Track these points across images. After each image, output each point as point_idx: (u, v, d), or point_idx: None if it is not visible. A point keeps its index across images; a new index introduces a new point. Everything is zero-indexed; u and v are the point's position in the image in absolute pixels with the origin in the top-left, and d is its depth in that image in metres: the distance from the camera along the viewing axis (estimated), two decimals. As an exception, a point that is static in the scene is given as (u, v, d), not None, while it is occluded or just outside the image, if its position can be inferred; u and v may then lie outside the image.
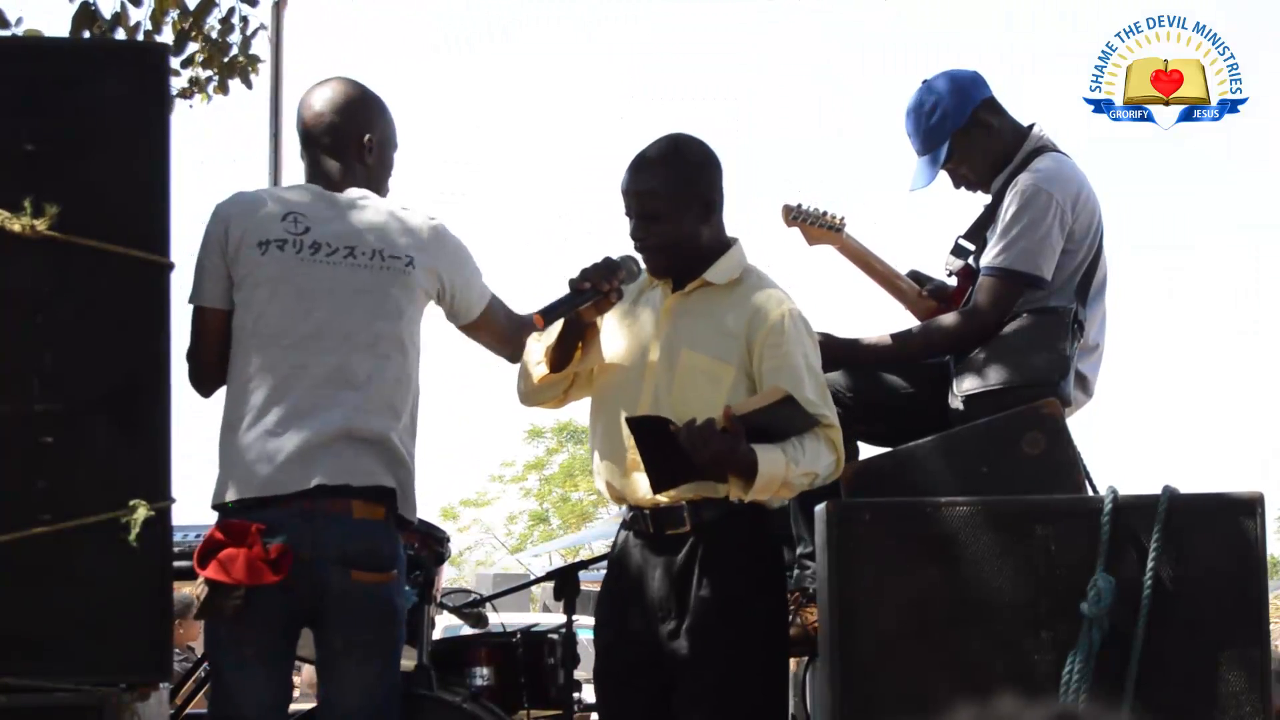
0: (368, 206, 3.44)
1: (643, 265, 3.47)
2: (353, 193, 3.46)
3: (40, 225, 3.09)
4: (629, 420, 3.26)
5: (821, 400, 3.34)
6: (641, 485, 3.36)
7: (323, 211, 3.42)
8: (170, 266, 3.21)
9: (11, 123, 3.16)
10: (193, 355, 3.46)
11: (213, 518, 3.38)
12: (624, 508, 3.52)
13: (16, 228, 3.08)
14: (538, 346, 3.49)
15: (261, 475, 3.28)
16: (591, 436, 3.57)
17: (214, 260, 3.40)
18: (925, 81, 3.99)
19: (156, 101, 3.30)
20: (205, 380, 3.47)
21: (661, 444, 3.19)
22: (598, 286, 3.32)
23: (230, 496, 3.31)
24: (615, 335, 3.50)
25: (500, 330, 3.57)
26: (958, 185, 4.03)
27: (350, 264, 3.37)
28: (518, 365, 3.60)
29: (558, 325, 3.41)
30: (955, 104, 3.94)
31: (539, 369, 3.48)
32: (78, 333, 3.15)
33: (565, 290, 3.36)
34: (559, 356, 3.44)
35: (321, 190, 3.46)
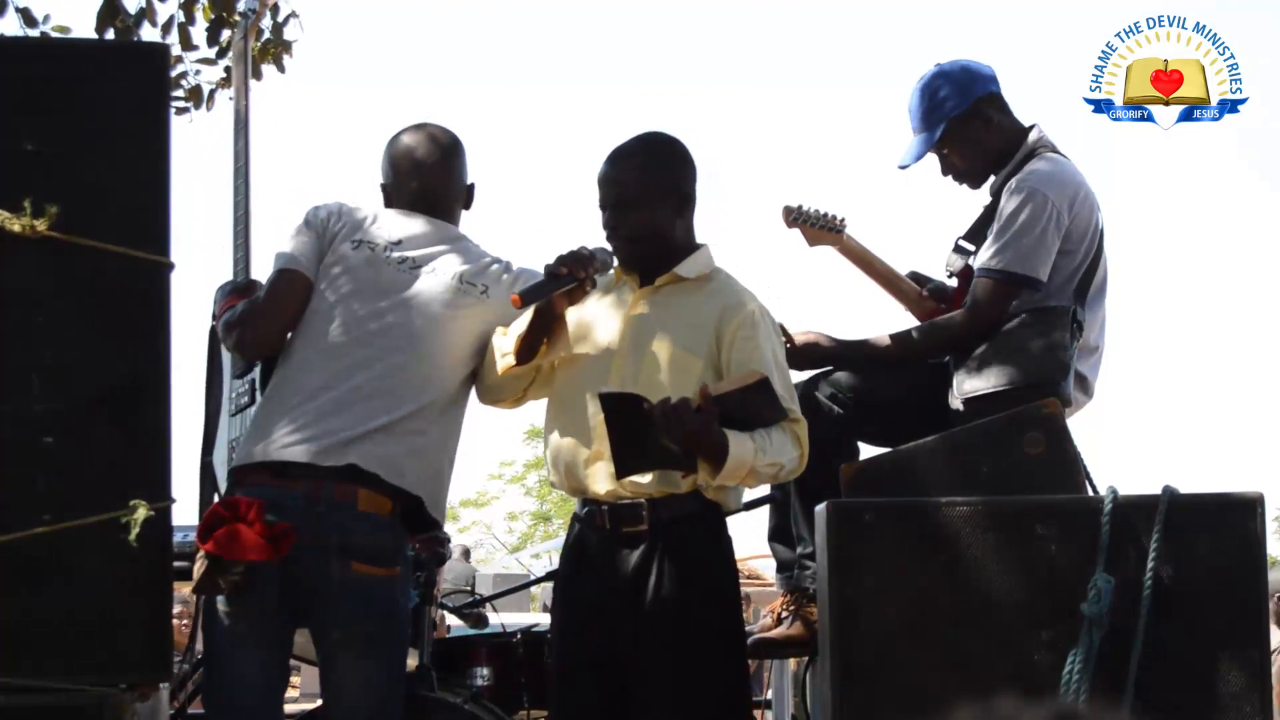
0: (457, 240, 3.61)
1: (614, 257, 3.47)
2: (447, 226, 3.64)
3: (40, 225, 3.09)
4: (602, 395, 3.24)
5: (789, 395, 3.38)
6: (601, 478, 3.36)
7: (416, 234, 3.57)
8: (170, 266, 3.21)
9: (11, 123, 3.16)
10: (263, 315, 3.51)
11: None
12: (578, 502, 3.51)
13: (16, 228, 3.08)
14: (503, 340, 3.49)
15: (297, 446, 3.33)
16: (548, 428, 3.55)
17: (315, 235, 3.54)
18: (938, 64, 4.00)
19: (157, 101, 3.30)
20: (265, 341, 3.53)
21: (631, 423, 3.19)
22: (574, 273, 3.33)
23: (256, 458, 3.36)
24: (580, 328, 3.50)
25: None
26: (945, 173, 4.04)
27: (431, 278, 3.52)
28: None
29: (525, 318, 3.41)
30: (959, 90, 3.95)
31: (505, 360, 3.47)
32: (78, 333, 3.15)
33: (541, 276, 3.38)
34: (525, 347, 3.44)
35: (420, 217, 3.61)
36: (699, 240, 3.55)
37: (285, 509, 3.26)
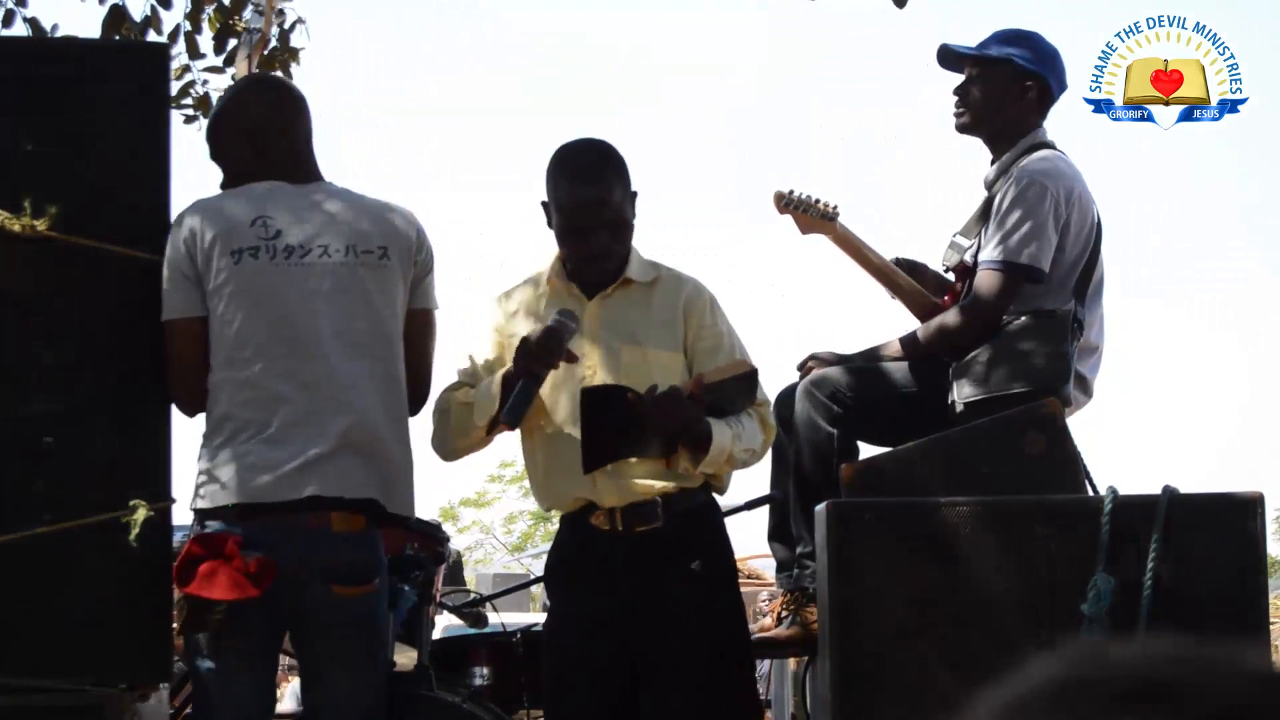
0: (335, 198, 3.37)
1: (574, 319, 3.32)
2: (317, 186, 3.39)
3: (40, 225, 3.09)
4: (584, 390, 3.24)
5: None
6: (609, 490, 3.34)
7: (291, 210, 3.31)
8: (171, 266, 3.21)
9: (11, 123, 3.16)
10: (178, 374, 3.26)
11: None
12: (574, 511, 3.45)
13: (16, 228, 3.09)
14: (466, 410, 3.40)
15: (255, 484, 3.19)
16: (531, 453, 3.50)
17: (185, 269, 3.23)
18: (1041, 35, 4.03)
19: (157, 101, 3.30)
20: (194, 397, 3.28)
21: (607, 417, 3.21)
22: (551, 365, 3.26)
23: (219, 501, 3.20)
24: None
25: (422, 349, 3.45)
26: (955, 93, 4.00)
27: (325, 263, 3.28)
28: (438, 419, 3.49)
29: (494, 388, 3.33)
30: (1034, 54, 3.96)
31: (478, 431, 3.40)
32: (78, 333, 3.15)
33: (517, 377, 3.27)
34: (492, 425, 3.38)
35: (286, 186, 3.35)
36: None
37: (263, 542, 3.15)
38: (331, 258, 3.28)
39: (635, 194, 3.47)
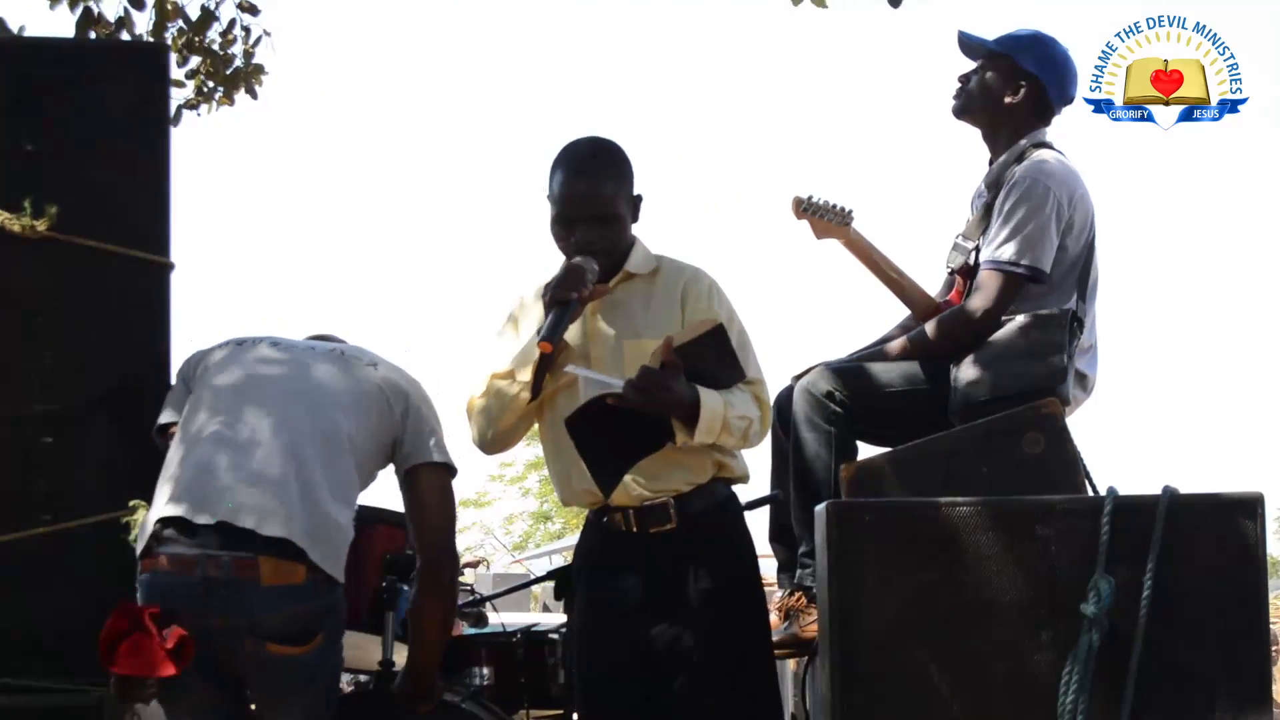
0: None
1: (592, 260, 3.39)
2: None
3: (40, 225, 3.10)
4: (568, 424, 3.22)
5: (747, 358, 3.36)
6: (626, 490, 3.33)
7: None
8: (170, 266, 3.22)
9: (11, 123, 3.17)
10: None
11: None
12: (590, 510, 3.48)
13: (16, 228, 3.09)
14: (506, 382, 3.40)
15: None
16: (550, 452, 3.50)
17: None
18: (1056, 40, 4.08)
19: (157, 101, 3.31)
20: None
21: (600, 433, 3.19)
22: (580, 295, 3.30)
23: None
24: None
25: None
26: (960, 80, 4.06)
27: None
28: (478, 413, 3.47)
29: (530, 353, 3.34)
30: (1041, 60, 4.00)
31: (522, 398, 3.39)
32: (78, 333, 3.16)
33: (549, 311, 3.31)
34: (537, 381, 3.38)
35: None
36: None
37: (183, 596, 3.01)
38: None
39: (637, 196, 3.48)
